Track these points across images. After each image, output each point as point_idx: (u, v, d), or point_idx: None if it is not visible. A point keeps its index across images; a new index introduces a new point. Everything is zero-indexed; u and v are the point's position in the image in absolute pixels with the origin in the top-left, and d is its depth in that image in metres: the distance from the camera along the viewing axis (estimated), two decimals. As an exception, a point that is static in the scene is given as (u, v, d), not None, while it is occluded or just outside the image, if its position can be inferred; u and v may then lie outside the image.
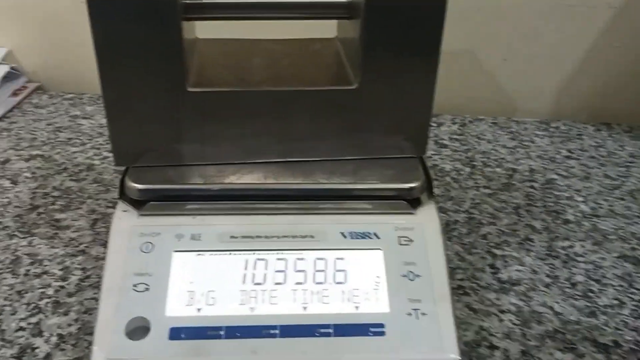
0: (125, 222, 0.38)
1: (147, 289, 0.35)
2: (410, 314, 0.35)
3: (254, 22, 0.41)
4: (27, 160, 0.61)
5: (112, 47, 0.35)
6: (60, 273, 0.46)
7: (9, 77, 0.76)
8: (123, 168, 0.40)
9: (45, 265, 0.47)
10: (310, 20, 0.41)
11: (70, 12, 0.73)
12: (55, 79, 0.79)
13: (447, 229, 0.53)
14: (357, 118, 0.40)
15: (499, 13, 0.70)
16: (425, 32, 0.37)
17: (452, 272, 0.47)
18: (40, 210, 0.53)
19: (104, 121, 0.69)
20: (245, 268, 0.37)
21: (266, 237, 0.38)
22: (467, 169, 0.62)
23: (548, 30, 0.70)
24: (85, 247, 0.49)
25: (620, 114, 0.74)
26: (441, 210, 0.55)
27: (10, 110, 0.72)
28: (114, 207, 0.53)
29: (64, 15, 0.74)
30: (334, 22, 0.48)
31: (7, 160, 0.61)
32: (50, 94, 0.76)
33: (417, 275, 0.37)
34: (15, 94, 0.75)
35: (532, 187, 0.60)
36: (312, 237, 0.38)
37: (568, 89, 0.74)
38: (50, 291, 0.44)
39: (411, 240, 0.38)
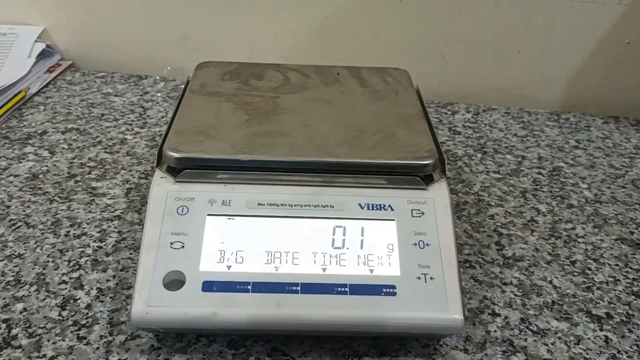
0: (163, 187, 0.41)
1: (182, 247, 0.39)
2: (419, 278, 0.39)
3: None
4: (63, 132, 0.65)
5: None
6: (98, 235, 0.50)
7: (44, 54, 0.80)
8: (155, 142, 0.44)
9: (84, 228, 0.51)
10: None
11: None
12: (86, 58, 0.83)
13: (457, 209, 0.56)
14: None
15: (515, 7, 0.72)
16: None
17: (460, 247, 0.51)
18: (78, 178, 0.57)
19: (135, 99, 0.73)
20: (271, 232, 0.40)
21: (290, 205, 0.41)
22: (479, 155, 0.65)
23: (561, 25, 0.73)
24: (121, 212, 0.53)
25: (628, 108, 0.77)
26: (452, 191, 0.58)
27: (46, 86, 0.76)
28: (146, 178, 0.57)
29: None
30: None
31: (44, 132, 0.65)
32: (82, 72, 0.80)
33: (427, 244, 0.40)
34: (50, 70, 0.79)
35: (539, 173, 0.63)
36: (331, 207, 0.41)
37: (579, 82, 0.77)
38: (89, 250, 0.48)
39: (422, 213, 0.42)
